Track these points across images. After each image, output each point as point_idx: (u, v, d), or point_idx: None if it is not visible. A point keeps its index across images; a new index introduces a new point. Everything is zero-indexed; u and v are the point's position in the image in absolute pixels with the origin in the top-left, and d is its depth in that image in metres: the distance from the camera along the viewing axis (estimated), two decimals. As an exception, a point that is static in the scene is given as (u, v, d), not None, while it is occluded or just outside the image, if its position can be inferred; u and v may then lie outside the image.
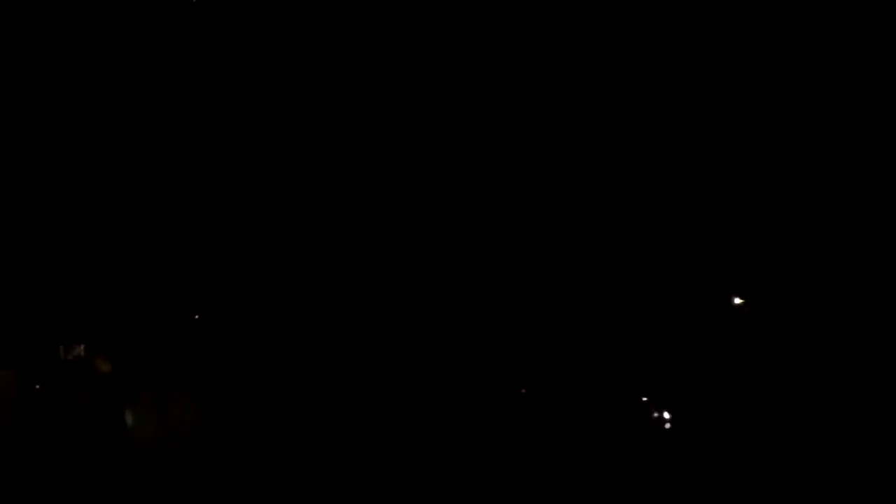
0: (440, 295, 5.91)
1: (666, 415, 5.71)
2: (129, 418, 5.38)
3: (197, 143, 5.94)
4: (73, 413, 5.30)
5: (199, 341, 5.71)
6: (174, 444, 5.39)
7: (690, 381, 5.76)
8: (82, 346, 5.49)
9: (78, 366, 5.43)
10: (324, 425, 5.68)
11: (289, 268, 5.91)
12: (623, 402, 5.76)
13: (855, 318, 5.67)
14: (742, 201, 5.83)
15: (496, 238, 5.96)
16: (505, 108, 5.99)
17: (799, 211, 5.76)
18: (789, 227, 5.79)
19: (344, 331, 5.84)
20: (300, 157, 5.98)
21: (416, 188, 5.97)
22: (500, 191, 5.97)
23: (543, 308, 5.86)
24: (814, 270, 5.77)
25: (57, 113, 5.95)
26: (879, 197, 5.74)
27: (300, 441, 5.63)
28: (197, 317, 5.78)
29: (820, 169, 5.80)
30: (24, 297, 5.67)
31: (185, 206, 5.91)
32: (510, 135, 6.00)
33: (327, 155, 5.97)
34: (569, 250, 5.94)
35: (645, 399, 5.74)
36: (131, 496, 5.23)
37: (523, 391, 5.80)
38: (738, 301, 5.81)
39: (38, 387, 5.16)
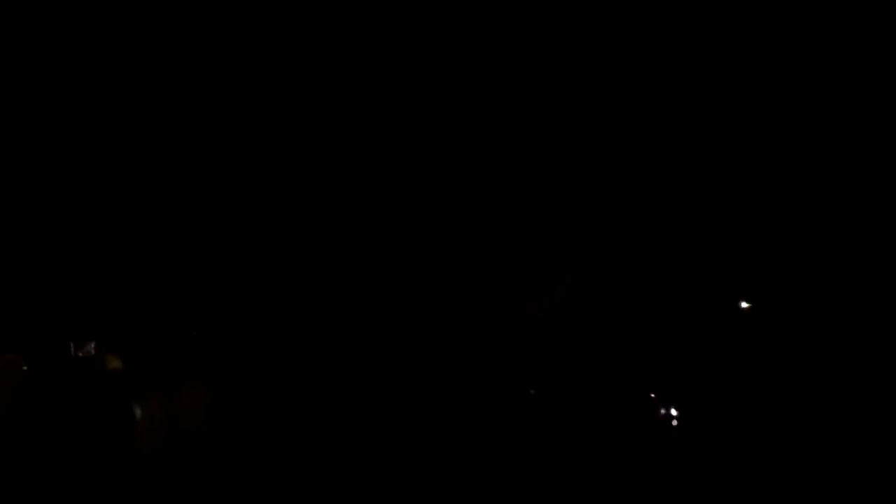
0: (450, 295, 5.93)
1: (674, 413, 5.70)
2: (137, 412, 5.34)
3: (212, 138, 5.98)
4: (82, 407, 5.31)
5: (208, 336, 5.76)
6: (183, 437, 5.40)
7: (700, 382, 5.74)
8: (93, 342, 5.49)
9: (88, 360, 5.44)
10: (332, 420, 5.68)
11: (299, 265, 5.93)
12: (632, 403, 5.75)
13: (867, 320, 5.65)
14: (755, 205, 5.83)
15: (505, 238, 5.98)
16: (517, 107, 6.03)
17: (808, 212, 5.75)
18: (798, 227, 5.77)
19: (352, 328, 5.86)
20: (312, 154, 6.01)
21: (425, 188, 6.01)
22: (511, 189, 6.00)
23: (552, 310, 5.88)
24: (824, 273, 5.75)
25: (73, 110, 6.01)
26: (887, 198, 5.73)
27: (309, 435, 5.64)
28: (207, 312, 5.84)
29: (830, 172, 5.80)
30: (36, 292, 5.72)
31: (194, 202, 5.96)
32: (521, 134, 6.04)
33: (336, 153, 6.00)
34: (579, 251, 5.96)
35: (654, 399, 5.74)
36: (140, 489, 5.24)
37: (532, 392, 5.81)
38: (747, 304, 5.80)
39: (47, 380, 5.16)
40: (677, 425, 5.69)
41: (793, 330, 5.69)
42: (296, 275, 5.90)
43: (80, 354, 5.25)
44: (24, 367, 4.78)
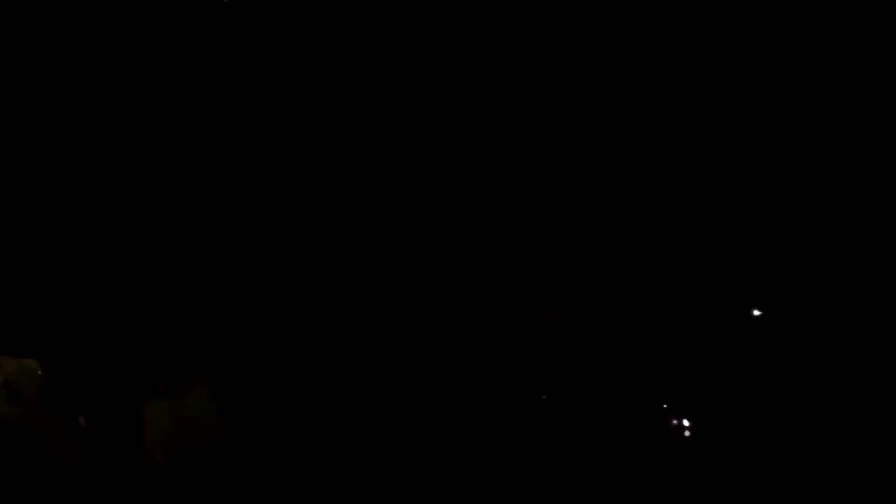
0: (459, 298, 5.88)
1: (686, 423, 5.69)
2: (144, 410, 5.30)
3: (222, 139, 5.93)
4: (88, 404, 5.24)
5: (216, 333, 5.66)
6: (192, 443, 5.32)
7: (711, 389, 5.73)
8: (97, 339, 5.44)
9: (93, 357, 5.37)
10: (341, 420, 5.65)
11: (310, 263, 5.87)
12: (643, 410, 5.73)
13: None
14: (775, 208, 5.82)
15: (514, 241, 5.93)
16: (526, 109, 5.97)
17: (829, 218, 5.75)
18: (818, 233, 5.77)
19: (362, 329, 5.80)
20: (319, 155, 5.96)
21: (432, 190, 5.94)
22: (519, 191, 5.94)
23: (563, 314, 5.84)
24: (837, 278, 5.75)
25: (72, 111, 5.93)
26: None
27: (318, 434, 5.60)
28: (214, 308, 5.73)
29: (850, 174, 5.79)
30: (43, 288, 5.64)
31: (202, 202, 5.89)
32: (531, 135, 5.97)
33: (347, 154, 5.95)
34: (590, 256, 5.91)
35: (665, 407, 5.72)
36: (146, 488, 5.17)
37: (544, 397, 5.76)
38: (759, 310, 5.78)
39: (56, 377, 5.11)
40: (690, 434, 5.68)
41: (812, 336, 5.69)
42: (305, 276, 5.87)
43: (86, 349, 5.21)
44: (40, 372, 4.63)
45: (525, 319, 5.82)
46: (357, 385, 5.68)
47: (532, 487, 5.60)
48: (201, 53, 5.91)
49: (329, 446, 5.54)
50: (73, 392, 5.00)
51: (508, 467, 5.62)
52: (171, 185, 5.82)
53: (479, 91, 5.93)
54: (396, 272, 5.86)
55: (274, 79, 5.95)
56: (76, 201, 5.78)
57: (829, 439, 5.54)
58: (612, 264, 5.89)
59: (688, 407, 5.70)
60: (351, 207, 5.87)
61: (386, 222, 5.90)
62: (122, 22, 5.90)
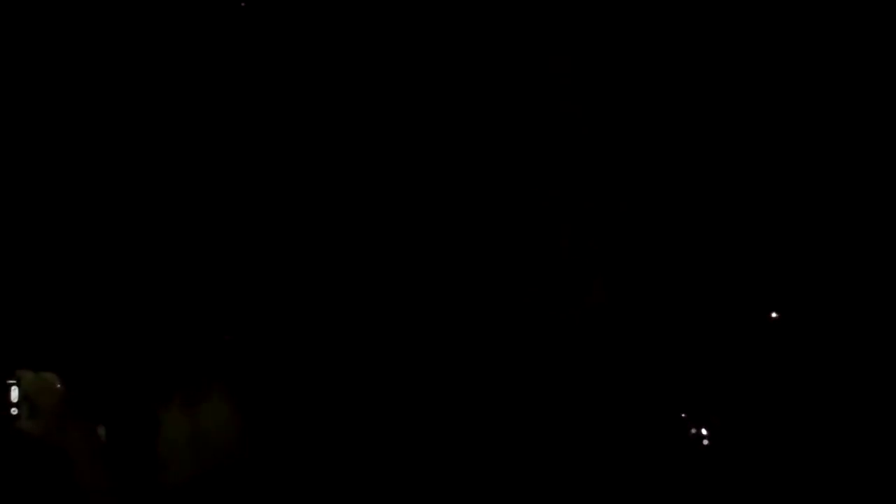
0: (476, 302, 5.88)
1: (704, 431, 5.69)
2: (160, 419, 5.28)
3: (240, 146, 5.92)
4: (108, 417, 5.23)
5: (236, 341, 5.65)
6: (209, 448, 5.30)
7: (729, 396, 5.73)
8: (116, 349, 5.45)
9: (113, 369, 5.37)
10: (355, 428, 5.69)
11: (328, 274, 5.90)
12: (659, 417, 5.73)
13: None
14: (800, 214, 5.80)
15: (532, 245, 5.93)
16: (551, 113, 5.96)
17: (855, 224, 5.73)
18: (839, 240, 5.75)
19: (375, 336, 5.85)
20: (334, 158, 5.97)
21: (456, 193, 5.94)
22: (541, 195, 5.94)
23: (583, 318, 5.84)
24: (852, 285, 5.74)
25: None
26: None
27: (332, 442, 5.64)
28: (233, 315, 5.74)
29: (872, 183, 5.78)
30: (62, 301, 5.65)
31: (221, 216, 5.94)
32: (553, 141, 5.97)
33: (374, 159, 5.95)
34: (608, 260, 5.91)
35: (683, 415, 5.72)
36: (161, 497, 5.16)
37: (557, 402, 5.77)
38: (777, 315, 5.77)
39: (75, 390, 5.10)
40: (708, 442, 5.68)
41: (839, 345, 5.67)
42: (329, 281, 5.85)
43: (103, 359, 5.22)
44: (60, 386, 4.62)
45: (545, 321, 5.84)
46: (377, 395, 5.69)
47: (547, 490, 5.62)
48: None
49: (348, 459, 5.55)
50: (92, 405, 4.99)
51: (526, 470, 5.64)
52: (191, 199, 5.85)
53: (510, 94, 5.94)
54: (414, 280, 5.87)
55: (297, 80, 6.00)
56: (96, 215, 5.82)
57: (851, 452, 5.54)
58: (631, 266, 5.90)
59: (704, 412, 5.71)
60: (374, 215, 5.89)
61: (406, 227, 5.91)
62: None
